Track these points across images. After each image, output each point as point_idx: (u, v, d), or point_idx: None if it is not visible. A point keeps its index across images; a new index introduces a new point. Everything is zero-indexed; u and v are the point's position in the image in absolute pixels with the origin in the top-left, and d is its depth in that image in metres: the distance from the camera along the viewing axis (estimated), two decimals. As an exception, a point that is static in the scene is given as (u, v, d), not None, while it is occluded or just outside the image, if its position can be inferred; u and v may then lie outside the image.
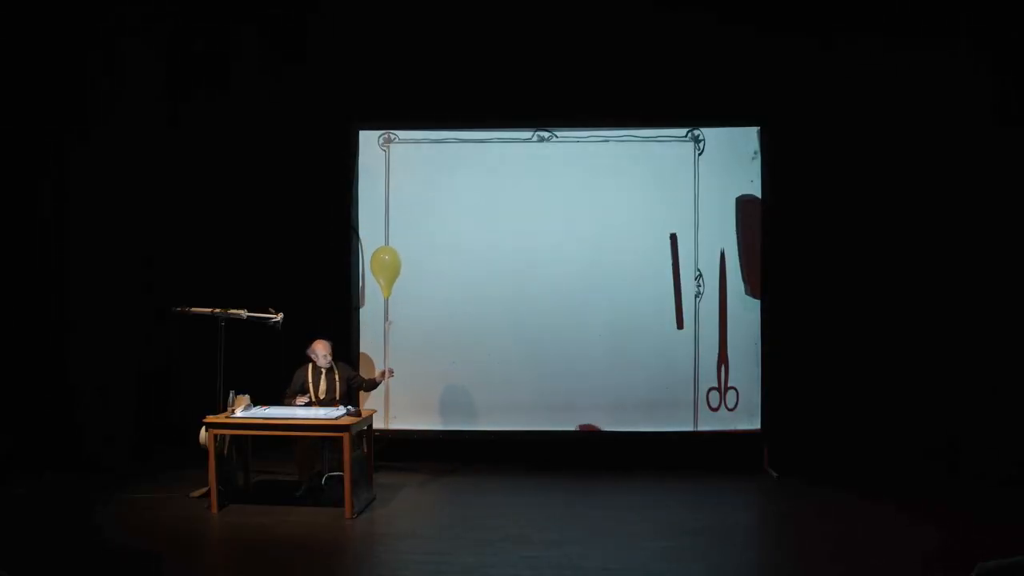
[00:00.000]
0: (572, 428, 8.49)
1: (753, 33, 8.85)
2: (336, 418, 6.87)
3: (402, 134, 8.76)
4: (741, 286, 8.52)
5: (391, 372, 7.70)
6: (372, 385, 7.82)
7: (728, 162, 8.55)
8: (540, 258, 8.56)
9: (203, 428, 6.91)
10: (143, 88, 8.63)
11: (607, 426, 8.43)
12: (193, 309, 7.48)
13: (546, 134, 8.67)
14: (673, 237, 8.45)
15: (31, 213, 8.23)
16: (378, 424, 8.24)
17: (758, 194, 8.50)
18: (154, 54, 8.71)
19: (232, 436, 7.16)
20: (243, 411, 7.01)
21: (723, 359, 8.44)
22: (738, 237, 8.52)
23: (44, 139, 8.22)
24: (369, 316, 8.67)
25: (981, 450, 8.10)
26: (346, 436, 6.73)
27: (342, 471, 6.85)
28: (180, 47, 9.00)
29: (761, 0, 8.79)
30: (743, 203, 8.53)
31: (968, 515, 6.82)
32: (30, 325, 8.24)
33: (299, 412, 7.08)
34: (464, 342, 8.57)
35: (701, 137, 8.56)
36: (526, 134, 8.69)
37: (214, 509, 6.80)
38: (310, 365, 7.53)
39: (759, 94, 8.93)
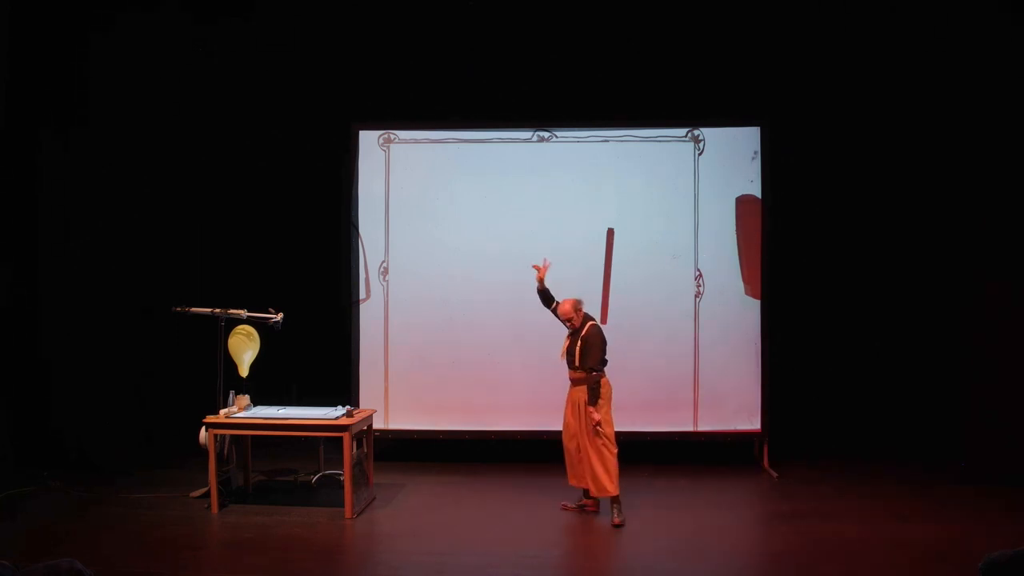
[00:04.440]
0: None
1: (753, 33, 8.86)
2: (336, 418, 6.87)
3: (402, 134, 8.75)
4: (741, 286, 8.51)
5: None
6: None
7: (728, 162, 8.54)
8: (540, 258, 8.48)
9: (203, 428, 6.91)
10: (139, 82, 8.62)
11: (607, 426, 8.42)
12: (193, 309, 7.48)
13: (546, 134, 8.67)
14: (610, 232, 8.45)
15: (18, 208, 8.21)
16: (378, 424, 8.24)
17: (758, 194, 8.50)
18: (152, 47, 8.70)
19: (232, 436, 7.16)
20: (243, 411, 7.02)
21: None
22: (738, 237, 8.51)
23: (31, 137, 8.20)
24: (370, 312, 8.67)
25: (982, 449, 8.09)
26: (346, 436, 6.73)
27: (342, 471, 6.86)
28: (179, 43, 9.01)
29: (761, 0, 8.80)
30: (743, 203, 8.52)
31: (969, 513, 6.82)
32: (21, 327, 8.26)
33: (299, 412, 7.07)
34: (464, 342, 8.57)
35: (701, 137, 8.56)
36: (526, 134, 8.69)
37: (214, 509, 6.80)
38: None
39: (759, 94, 8.94)
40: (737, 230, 8.51)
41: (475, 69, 9.04)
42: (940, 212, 8.77)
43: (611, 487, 6.60)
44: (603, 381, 6.74)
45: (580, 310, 6.83)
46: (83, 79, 8.34)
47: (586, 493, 6.87)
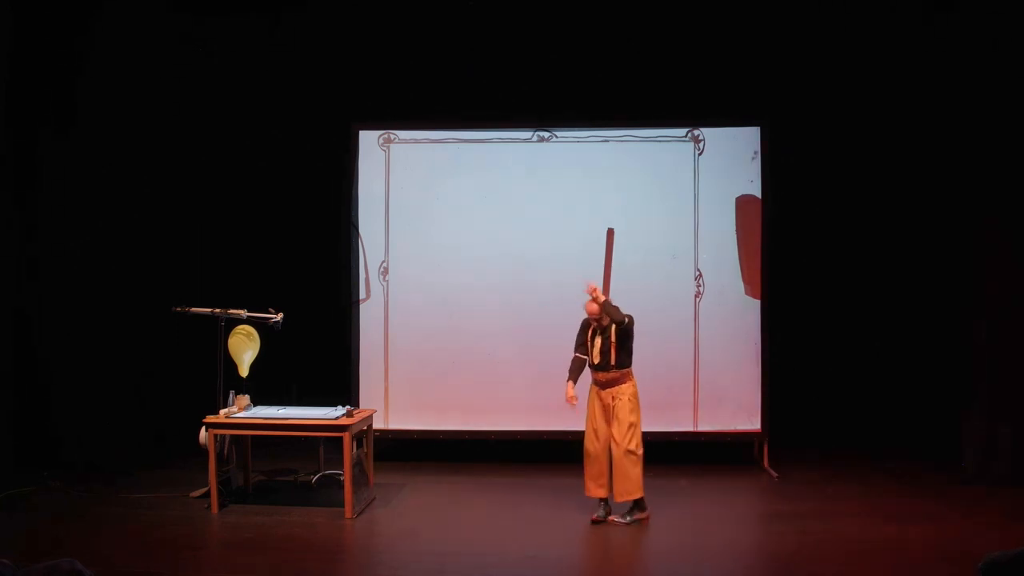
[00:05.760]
0: (572, 428, 8.48)
1: (753, 33, 8.86)
2: (336, 418, 6.87)
3: (402, 134, 8.75)
4: (741, 286, 8.50)
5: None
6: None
7: (728, 162, 8.53)
8: (540, 258, 8.55)
9: (203, 428, 6.91)
10: (139, 82, 8.61)
11: (607, 426, 8.41)
12: (192, 309, 7.48)
13: (546, 134, 8.67)
14: (610, 232, 8.43)
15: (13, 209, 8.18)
16: (378, 424, 8.24)
17: (758, 194, 8.50)
18: (152, 47, 8.69)
19: (232, 436, 7.16)
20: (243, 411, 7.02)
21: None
22: (738, 237, 8.51)
23: (31, 137, 8.19)
24: (370, 312, 8.66)
25: (982, 449, 8.09)
26: (346, 436, 6.73)
27: (342, 471, 6.86)
28: (179, 43, 9.00)
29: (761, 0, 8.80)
30: (743, 203, 8.52)
31: (969, 513, 6.82)
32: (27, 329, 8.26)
33: (299, 412, 7.07)
34: (464, 342, 8.56)
35: (701, 137, 8.56)
36: (526, 134, 8.68)
37: (214, 509, 6.80)
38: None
39: (759, 94, 8.94)
40: (737, 230, 8.51)
41: (475, 69, 9.04)
42: (940, 212, 8.76)
43: (640, 489, 6.52)
44: (632, 382, 6.73)
45: None
46: (83, 79, 8.33)
47: (605, 504, 6.62)
